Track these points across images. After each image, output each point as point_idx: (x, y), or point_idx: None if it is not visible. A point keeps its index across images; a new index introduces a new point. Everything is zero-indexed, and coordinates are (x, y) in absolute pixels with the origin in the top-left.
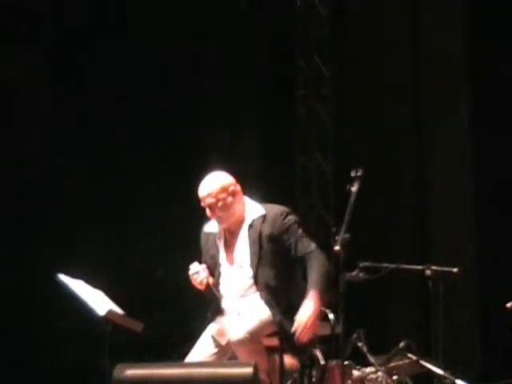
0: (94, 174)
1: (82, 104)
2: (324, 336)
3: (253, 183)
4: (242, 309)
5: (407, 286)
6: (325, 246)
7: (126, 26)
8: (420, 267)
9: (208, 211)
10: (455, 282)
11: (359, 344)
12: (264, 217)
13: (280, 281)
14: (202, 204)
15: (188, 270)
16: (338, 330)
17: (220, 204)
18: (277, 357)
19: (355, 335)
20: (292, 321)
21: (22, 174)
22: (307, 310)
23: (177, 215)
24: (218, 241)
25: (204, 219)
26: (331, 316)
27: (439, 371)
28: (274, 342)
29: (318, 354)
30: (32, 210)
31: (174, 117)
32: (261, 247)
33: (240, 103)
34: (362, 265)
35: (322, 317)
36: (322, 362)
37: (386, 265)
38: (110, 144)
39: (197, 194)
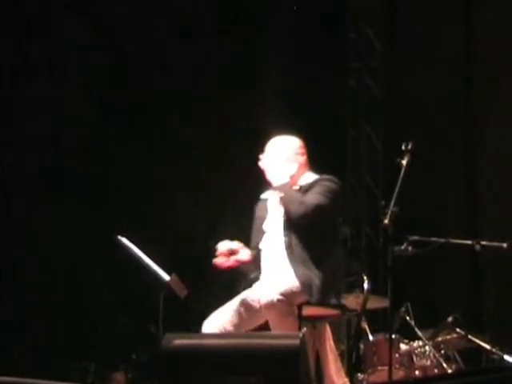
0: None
1: None
2: (372, 309)
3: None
4: (275, 274)
5: (456, 260)
6: (374, 219)
7: None
8: (469, 242)
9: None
10: (505, 257)
11: (407, 318)
12: (310, 184)
13: (312, 248)
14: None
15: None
16: (386, 303)
17: (272, 167)
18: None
19: (403, 309)
20: (330, 290)
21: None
22: None
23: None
24: (268, 205)
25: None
26: (366, 286)
27: (487, 346)
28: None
29: (366, 327)
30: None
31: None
32: None
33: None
34: (410, 239)
35: None
36: (370, 336)
37: (434, 239)
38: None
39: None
